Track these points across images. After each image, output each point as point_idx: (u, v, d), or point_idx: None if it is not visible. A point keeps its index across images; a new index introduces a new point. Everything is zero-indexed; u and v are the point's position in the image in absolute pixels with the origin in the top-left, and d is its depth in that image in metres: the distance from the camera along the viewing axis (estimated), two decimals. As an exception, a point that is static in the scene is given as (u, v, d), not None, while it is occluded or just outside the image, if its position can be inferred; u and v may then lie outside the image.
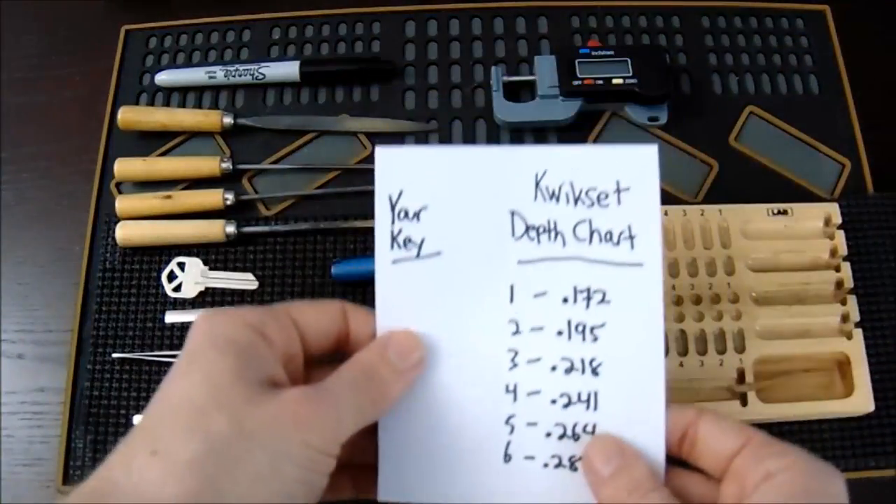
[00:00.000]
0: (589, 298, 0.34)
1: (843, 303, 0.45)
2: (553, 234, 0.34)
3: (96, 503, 0.26)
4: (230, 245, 0.49)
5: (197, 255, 0.49)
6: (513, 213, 0.34)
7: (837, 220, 0.47)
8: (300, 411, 0.29)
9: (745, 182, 0.51)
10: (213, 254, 0.49)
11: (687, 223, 0.47)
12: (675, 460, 0.34)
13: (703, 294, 0.45)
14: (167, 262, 0.48)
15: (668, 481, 0.33)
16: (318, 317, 0.33)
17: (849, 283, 0.46)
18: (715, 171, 0.52)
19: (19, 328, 0.50)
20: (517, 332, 0.34)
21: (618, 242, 0.33)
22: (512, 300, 0.34)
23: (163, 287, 0.48)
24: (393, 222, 0.33)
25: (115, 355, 0.47)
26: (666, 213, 0.47)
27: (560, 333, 0.34)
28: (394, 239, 0.33)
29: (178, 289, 0.48)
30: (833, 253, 0.46)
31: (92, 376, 0.46)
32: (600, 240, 0.34)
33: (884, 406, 0.45)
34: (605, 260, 0.34)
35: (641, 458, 0.33)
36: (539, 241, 0.34)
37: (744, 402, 0.43)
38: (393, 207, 0.33)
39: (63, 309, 0.50)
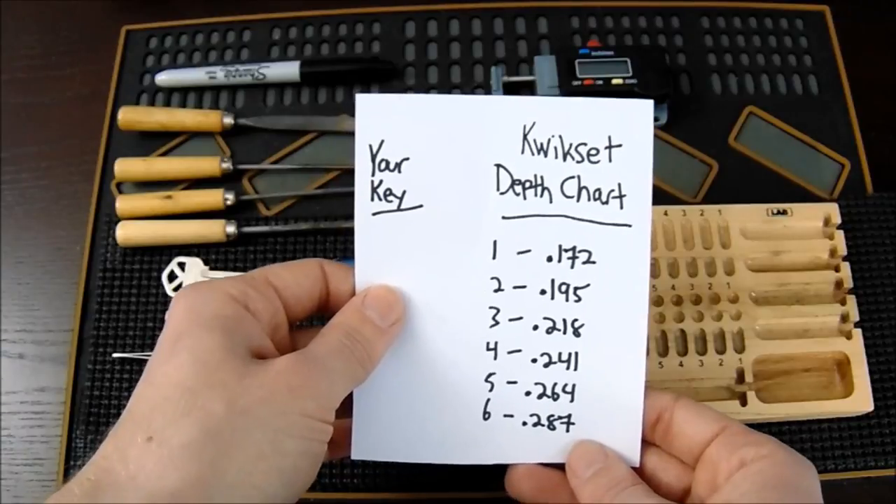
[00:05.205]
0: (574, 258, 0.33)
1: (843, 303, 0.45)
2: (540, 189, 0.32)
3: (97, 501, 0.26)
4: (230, 245, 0.49)
5: (197, 255, 0.49)
6: (498, 167, 0.32)
7: (837, 219, 0.47)
8: (293, 381, 0.28)
9: (744, 182, 0.51)
10: (213, 254, 0.49)
11: (687, 223, 0.47)
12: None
13: (703, 294, 0.45)
14: (167, 262, 0.48)
15: (644, 461, 0.33)
16: (298, 280, 0.32)
17: (848, 282, 0.46)
18: (715, 171, 0.52)
19: (19, 328, 0.50)
20: (499, 289, 0.33)
21: (606, 201, 0.32)
22: (495, 257, 0.33)
23: (163, 287, 0.48)
24: (373, 173, 0.32)
25: (115, 355, 0.47)
26: (666, 213, 0.47)
27: (543, 293, 0.33)
28: (374, 190, 0.32)
29: (178, 289, 0.48)
30: (832, 253, 0.46)
31: (92, 376, 0.46)
32: (588, 198, 0.32)
33: (883, 406, 0.45)
34: (592, 219, 0.32)
35: (621, 461, 0.33)
36: (525, 196, 0.32)
37: (743, 402, 0.43)
38: (373, 158, 0.32)
39: (63, 309, 0.50)
